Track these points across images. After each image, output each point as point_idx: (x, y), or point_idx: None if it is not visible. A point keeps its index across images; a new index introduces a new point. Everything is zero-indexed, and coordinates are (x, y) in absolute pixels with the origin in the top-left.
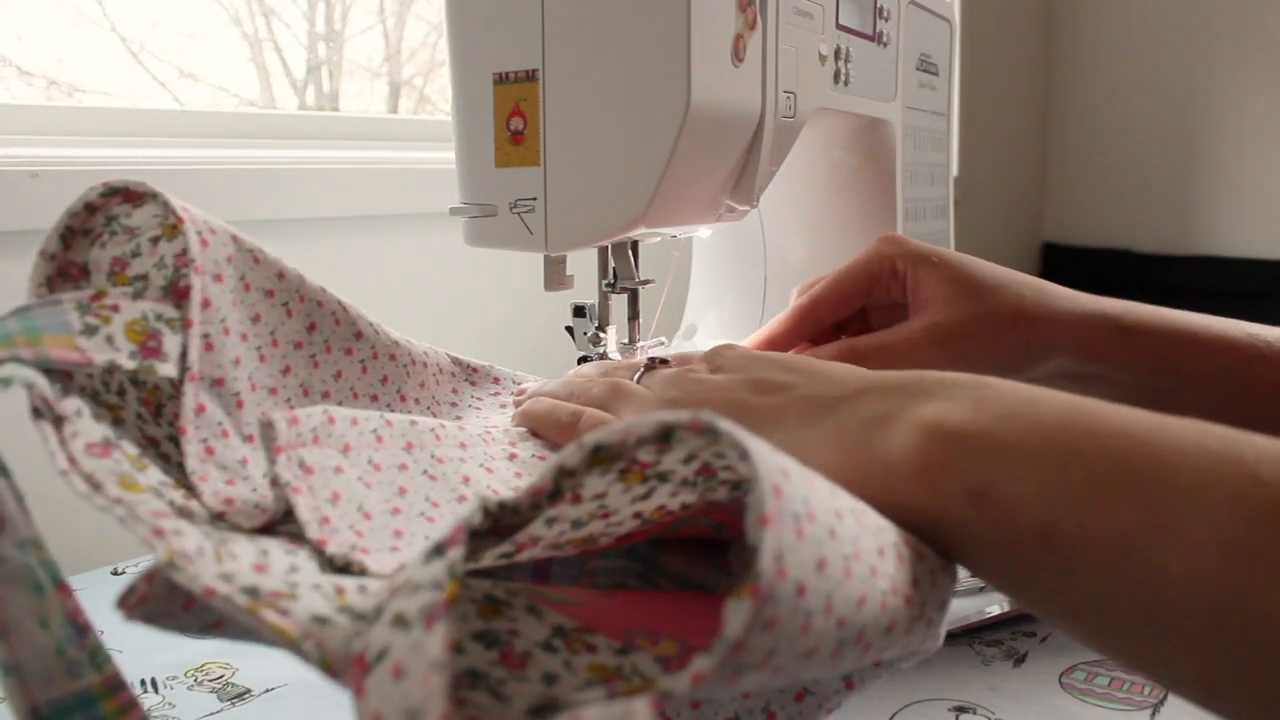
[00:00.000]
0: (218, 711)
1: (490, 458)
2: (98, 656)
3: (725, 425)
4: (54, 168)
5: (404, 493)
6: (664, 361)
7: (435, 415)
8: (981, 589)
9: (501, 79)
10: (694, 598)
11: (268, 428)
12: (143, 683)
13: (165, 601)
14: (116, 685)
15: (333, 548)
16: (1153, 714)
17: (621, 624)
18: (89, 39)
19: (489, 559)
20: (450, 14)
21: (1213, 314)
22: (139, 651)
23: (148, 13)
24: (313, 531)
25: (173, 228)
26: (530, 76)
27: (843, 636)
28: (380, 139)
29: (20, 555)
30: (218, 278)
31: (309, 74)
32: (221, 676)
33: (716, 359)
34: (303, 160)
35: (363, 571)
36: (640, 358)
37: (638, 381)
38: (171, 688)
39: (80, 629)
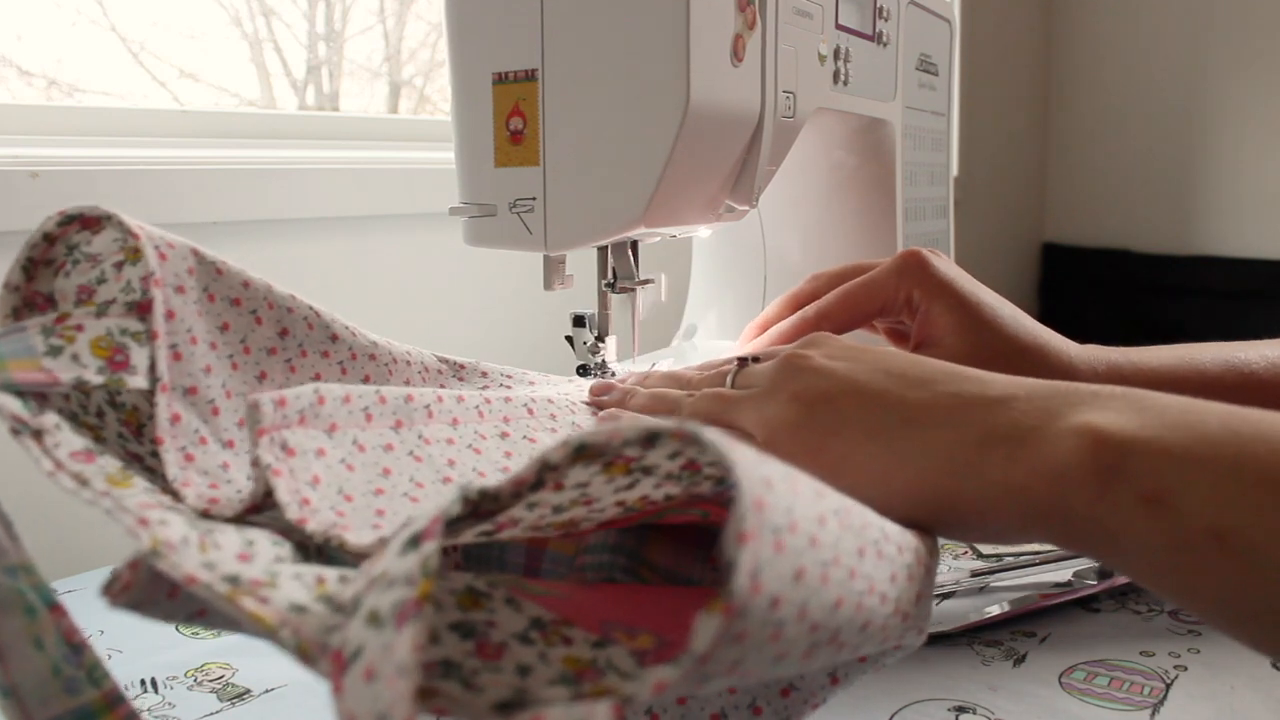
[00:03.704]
0: (218, 711)
1: (480, 436)
2: (95, 673)
3: (709, 436)
4: (54, 168)
5: (388, 473)
6: (755, 359)
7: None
8: (982, 589)
9: (501, 79)
10: (676, 591)
11: (254, 409)
12: (143, 683)
13: (149, 589)
14: (115, 700)
15: (313, 525)
16: (1153, 714)
17: (600, 617)
18: (89, 39)
19: (469, 536)
20: (450, 14)
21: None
22: (139, 652)
23: (148, 13)
24: (292, 513)
25: (135, 251)
26: (529, 76)
27: (815, 639)
28: (380, 139)
29: (10, 580)
30: (179, 289)
31: (309, 74)
32: (221, 676)
33: (824, 346)
34: (303, 160)
35: (342, 545)
36: (720, 360)
37: (732, 382)
38: (171, 688)
39: (76, 648)
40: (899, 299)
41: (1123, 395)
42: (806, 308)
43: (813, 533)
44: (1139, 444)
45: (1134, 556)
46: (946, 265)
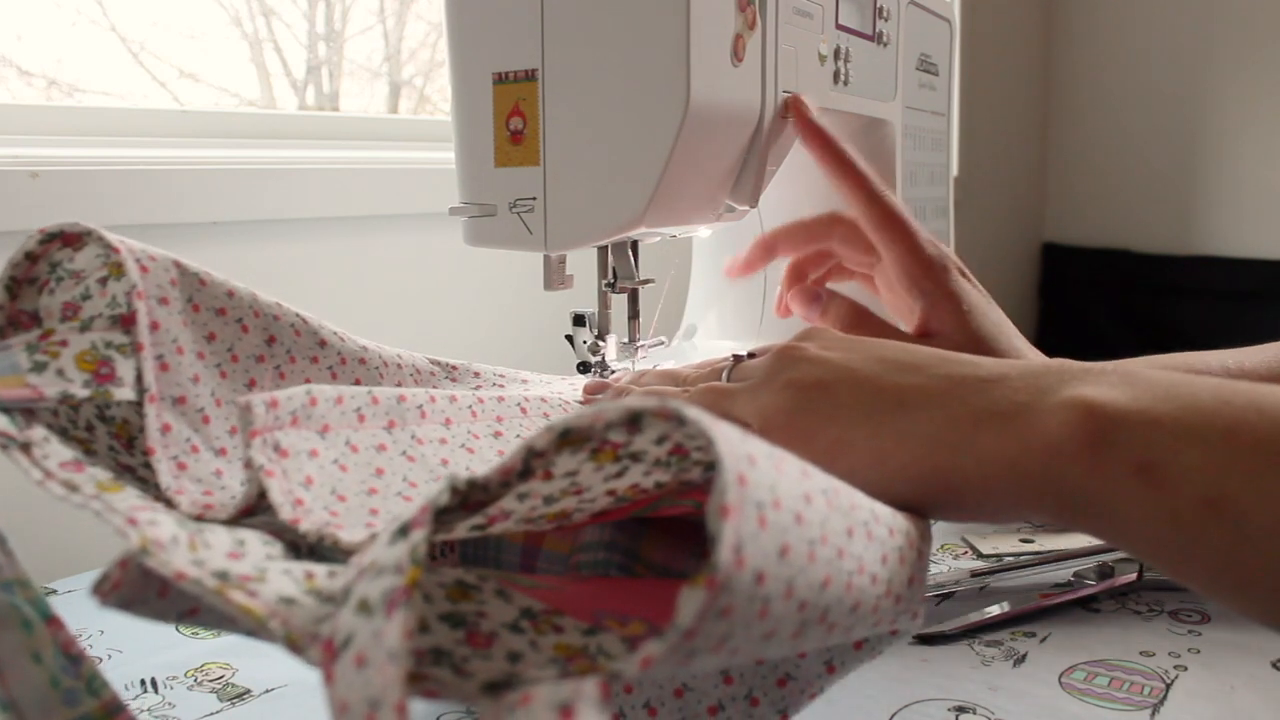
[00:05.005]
0: (218, 711)
1: (473, 436)
2: (94, 683)
3: (692, 413)
4: (54, 168)
5: (381, 473)
6: (750, 354)
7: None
8: (982, 589)
9: (501, 79)
10: (668, 583)
11: (246, 411)
12: (143, 683)
13: (139, 588)
14: (115, 708)
15: (306, 525)
16: (1153, 714)
17: (591, 607)
18: (89, 39)
19: (461, 530)
20: (450, 14)
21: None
22: (139, 652)
23: (148, 13)
24: (286, 513)
25: (118, 266)
26: (529, 76)
27: (804, 618)
28: (380, 139)
29: (6, 595)
30: (163, 301)
31: (309, 74)
32: (221, 676)
33: (819, 339)
34: (303, 160)
35: (335, 544)
36: (717, 359)
37: (728, 376)
38: (171, 688)
39: (74, 659)
40: (927, 283)
41: (1114, 370)
42: (838, 218)
43: (798, 510)
44: (1131, 415)
45: (1129, 528)
46: (964, 282)
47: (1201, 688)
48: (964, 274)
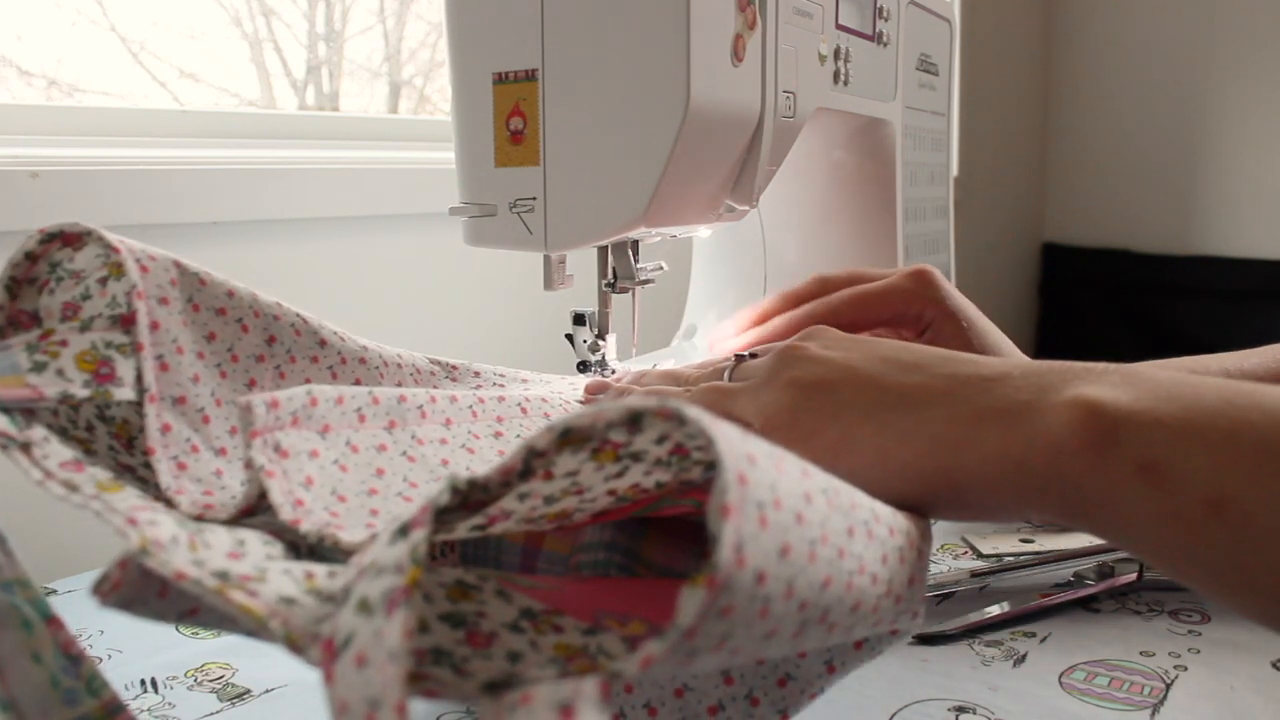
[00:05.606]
0: (218, 711)
1: (474, 436)
2: (94, 683)
3: (692, 412)
4: (54, 168)
5: (381, 474)
6: (752, 355)
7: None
8: (982, 589)
9: (501, 79)
10: (668, 583)
11: (246, 411)
12: (143, 683)
13: (139, 588)
14: (115, 708)
15: (306, 526)
16: (1153, 714)
17: (591, 607)
18: (89, 39)
19: (462, 530)
20: (450, 14)
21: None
22: (139, 652)
23: (148, 13)
24: (286, 514)
25: (118, 266)
26: (530, 76)
27: (805, 618)
28: (380, 139)
29: (6, 595)
30: (163, 301)
31: (309, 74)
32: (221, 676)
33: (820, 338)
34: (303, 160)
35: (335, 545)
36: (718, 358)
37: (730, 376)
38: (171, 688)
39: (74, 659)
40: (910, 312)
41: (1116, 370)
42: (815, 303)
43: (798, 509)
44: (1134, 415)
45: (1132, 528)
46: (954, 289)
47: (1201, 688)
48: (935, 284)
